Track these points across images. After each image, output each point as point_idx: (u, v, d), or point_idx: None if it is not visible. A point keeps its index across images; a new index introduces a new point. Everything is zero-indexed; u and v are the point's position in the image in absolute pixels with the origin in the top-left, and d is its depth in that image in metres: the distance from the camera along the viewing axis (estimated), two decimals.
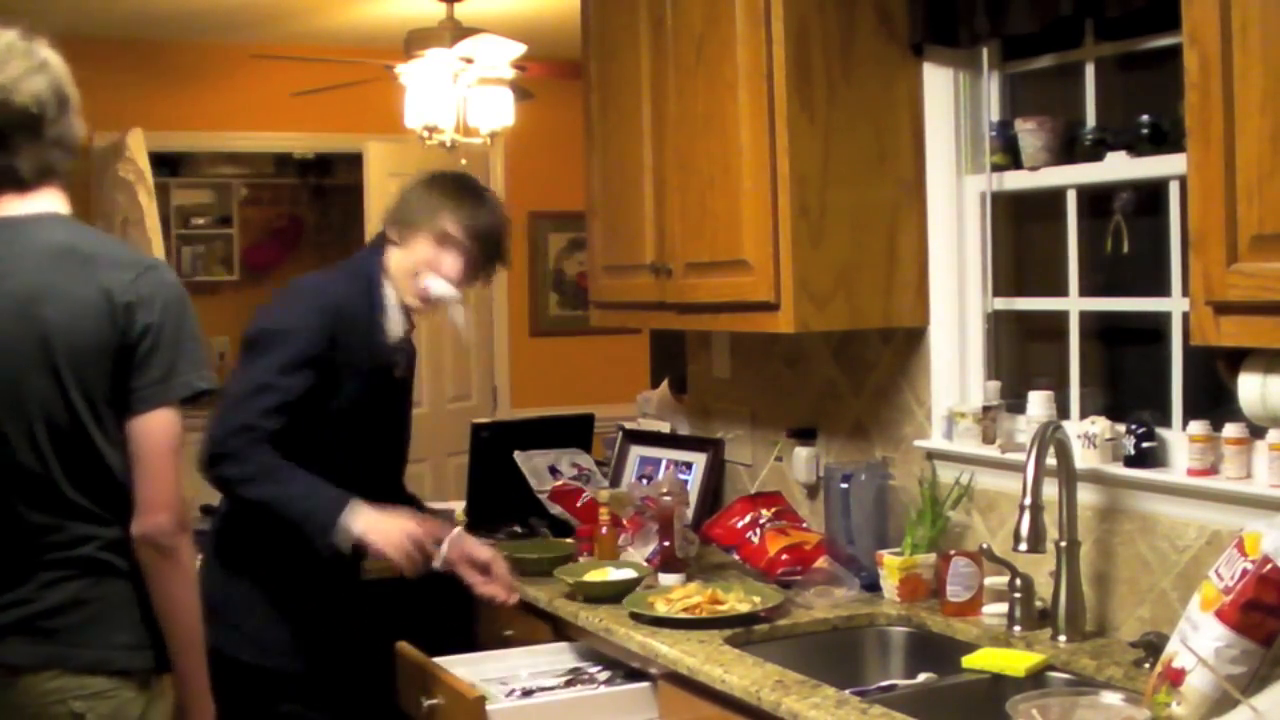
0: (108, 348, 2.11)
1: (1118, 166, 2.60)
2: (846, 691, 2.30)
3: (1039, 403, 2.68)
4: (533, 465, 3.70)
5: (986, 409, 2.84)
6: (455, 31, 5.15)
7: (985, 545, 2.69)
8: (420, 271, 2.82)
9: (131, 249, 2.34)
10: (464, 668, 2.88)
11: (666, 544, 3.04)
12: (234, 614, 2.75)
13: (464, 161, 5.74)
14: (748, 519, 3.14)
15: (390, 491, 2.93)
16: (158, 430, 2.12)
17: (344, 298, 2.78)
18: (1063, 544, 2.53)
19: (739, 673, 2.39)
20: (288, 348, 2.66)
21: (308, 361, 2.67)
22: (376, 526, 2.64)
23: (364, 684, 2.96)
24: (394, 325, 2.83)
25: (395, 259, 2.84)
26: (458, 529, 2.99)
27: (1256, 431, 2.28)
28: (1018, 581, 2.60)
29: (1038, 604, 2.61)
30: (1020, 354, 3.00)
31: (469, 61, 5.13)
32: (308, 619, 2.79)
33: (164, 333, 2.13)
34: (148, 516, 2.11)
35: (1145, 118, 2.52)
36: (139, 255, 2.28)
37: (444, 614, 3.33)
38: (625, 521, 3.34)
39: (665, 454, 3.78)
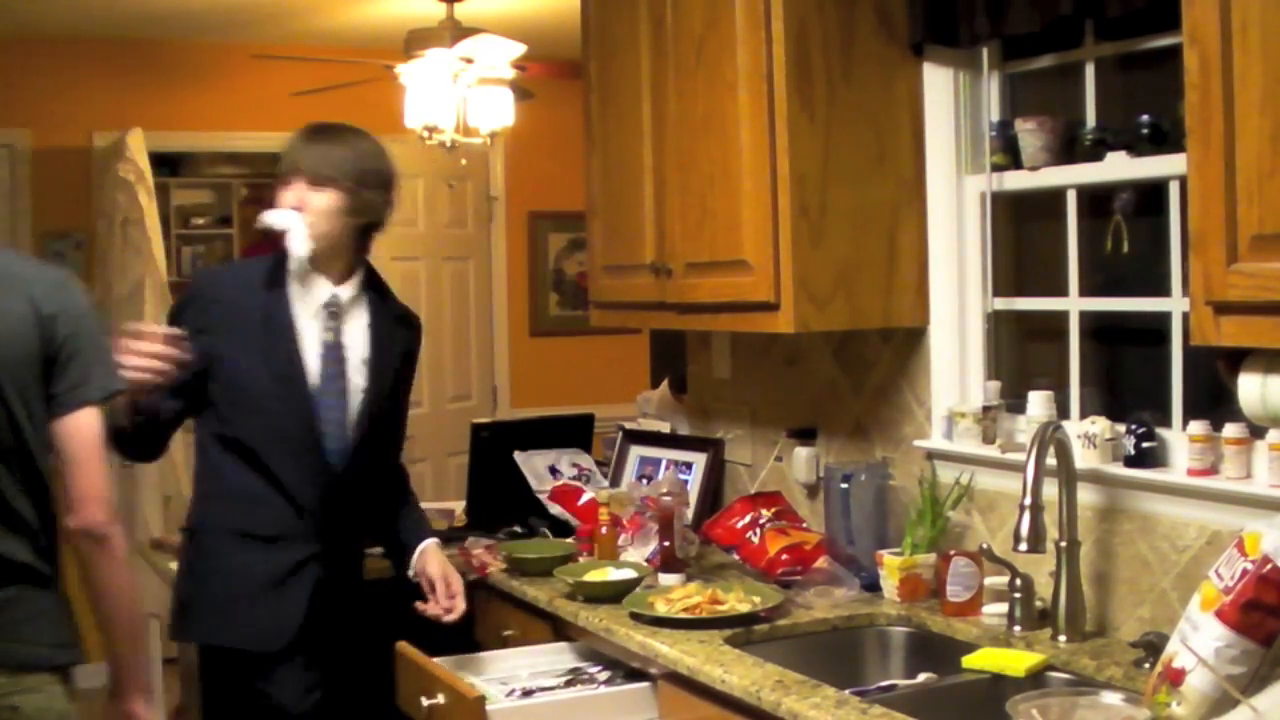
0: (38, 358, 2.24)
1: (1118, 166, 2.60)
2: (846, 691, 2.30)
3: (1039, 403, 2.68)
4: (533, 465, 3.70)
5: (986, 409, 2.84)
6: (455, 31, 5.15)
7: (985, 545, 2.69)
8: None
9: (41, 263, 2.46)
10: (464, 668, 2.88)
11: (666, 544, 3.04)
12: (198, 601, 2.81)
13: (464, 161, 5.74)
14: (748, 519, 3.14)
15: (379, 467, 2.95)
16: (85, 428, 2.27)
17: (242, 274, 2.84)
18: (1063, 544, 2.53)
19: (739, 673, 2.39)
20: (172, 324, 2.72)
21: (190, 335, 2.66)
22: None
23: (353, 673, 2.96)
24: (301, 298, 2.79)
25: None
26: (431, 540, 2.99)
27: (1256, 431, 2.28)
28: (1018, 581, 2.60)
29: (1038, 604, 2.61)
30: (1020, 354, 3.00)
31: (469, 61, 5.12)
32: (269, 599, 2.79)
33: (80, 341, 2.28)
34: (84, 510, 2.25)
35: (1145, 118, 2.52)
36: (52, 269, 2.40)
37: None
38: (625, 521, 3.34)
39: (665, 454, 3.78)
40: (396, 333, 2.94)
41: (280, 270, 2.79)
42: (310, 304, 2.80)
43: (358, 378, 2.84)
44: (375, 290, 2.91)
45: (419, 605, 2.92)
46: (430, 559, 2.96)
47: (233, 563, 2.79)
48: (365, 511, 2.94)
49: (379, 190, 2.83)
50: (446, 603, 2.91)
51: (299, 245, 2.74)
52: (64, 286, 2.32)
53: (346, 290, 2.83)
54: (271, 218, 2.75)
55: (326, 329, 2.81)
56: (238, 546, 2.79)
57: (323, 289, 2.81)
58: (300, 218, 2.73)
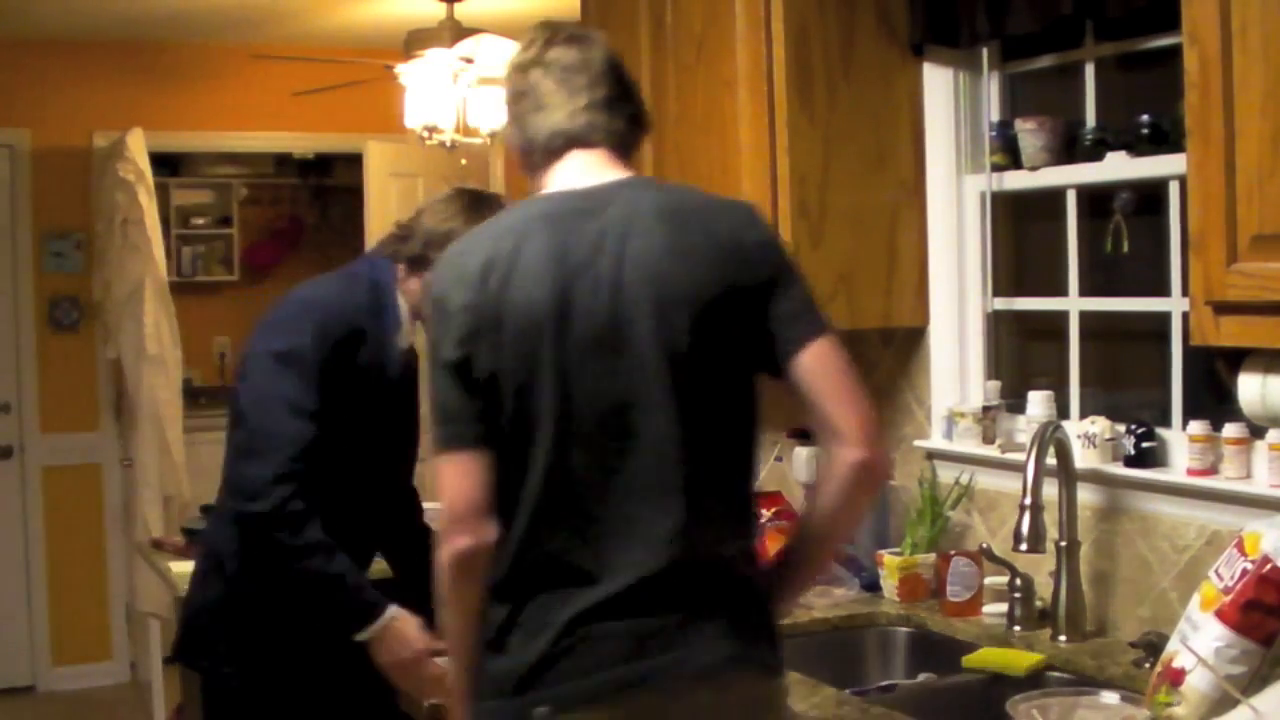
0: (743, 291, 1.96)
1: (1118, 166, 2.60)
2: (846, 691, 2.30)
3: (1039, 403, 2.68)
4: None
5: (986, 409, 2.84)
6: (455, 31, 5.14)
7: (985, 545, 2.69)
8: None
9: (720, 197, 2.17)
10: None
11: None
12: (231, 631, 2.71)
13: (464, 161, 5.73)
14: None
15: (396, 489, 2.93)
16: (827, 356, 1.95)
17: (350, 309, 2.68)
18: (1063, 544, 2.53)
19: None
20: (303, 373, 2.57)
21: (321, 381, 2.58)
22: (392, 649, 2.55)
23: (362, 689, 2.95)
24: (405, 337, 2.76)
25: (417, 288, 2.67)
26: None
27: (1256, 431, 2.28)
28: (1018, 581, 2.60)
29: (1038, 604, 2.61)
30: (1020, 354, 3.00)
31: (469, 61, 5.12)
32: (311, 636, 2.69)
33: (786, 270, 1.99)
34: (863, 444, 1.92)
35: (1145, 118, 2.52)
36: (737, 201, 2.15)
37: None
38: None
39: None
40: None
41: (385, 312, 2.74)
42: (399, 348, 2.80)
43: None
44: None
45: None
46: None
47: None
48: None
49: None
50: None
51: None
52: (754, 215, 2.02)
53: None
54: None
55: (401, 371, 2.79)
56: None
57: (408, 339, 2.80)
58: None
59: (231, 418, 2.65)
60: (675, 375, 1.87)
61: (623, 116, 2.04)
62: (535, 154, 2.04)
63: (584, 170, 2.00)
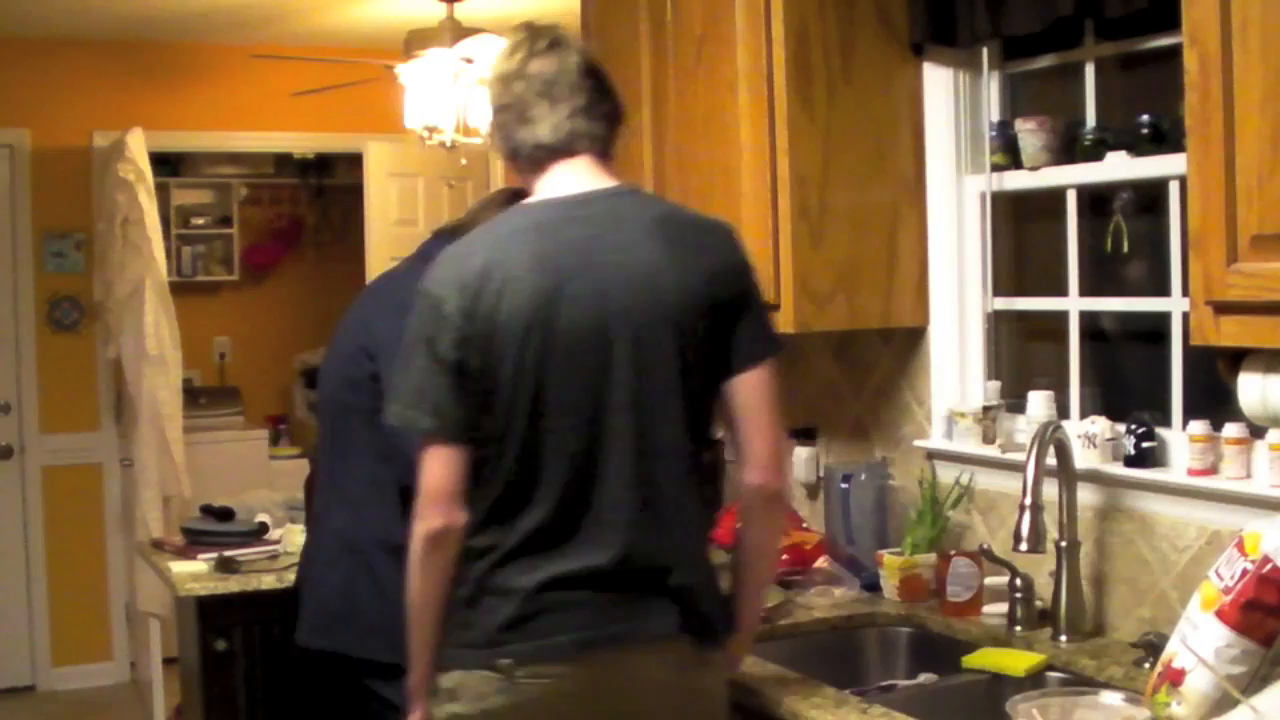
0: (708, 309, 2.13)
1: (1118, 166, 2.60)
2: (846, 691, 2.30)
3: (1039, 403, 2.68)
4: None
5: (986, 409, 2.84)
6: (455, 31, 5.15)
7: (985, 545, 2.69)
8: None
9: (702, 214, 2.34)
10: None
11: None
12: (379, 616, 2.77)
13: (464, 161, 5.73)
14: None
15: None
16: (763, 383, 2.15)
17: None
18: (1063, 544, 2.53)
19: (740, 672, 2.39)
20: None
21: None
22: None
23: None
24: None
25: None
26: None
27: (1256, 431, 2.28)
28: (1018, 581, 2.60)
29: (1038, 604, 2.61)
30: (1020, 354, 3.00)
31: (469, 61, 5.12)
32: None
33: (752, 295, 2.18)
34: (764, 470, 2.17)
35: (1145, 118, 2.52)
36: (714, 220, 2.30)
37: None
38: None
39: None
40: None
41: None
42: None
43: None
44: None
45: None
46: None
47: None
48: None
49: None
50: None
51: None
52: (735, 236, 2.20)
53: None
54: None
55: None
56: None
57: None
58: None
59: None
60: (649, 382, 2.06)
61: (601, 119, 2.18)
62: (521, 162, 2.19)
63: (571, 178, 2.15)
